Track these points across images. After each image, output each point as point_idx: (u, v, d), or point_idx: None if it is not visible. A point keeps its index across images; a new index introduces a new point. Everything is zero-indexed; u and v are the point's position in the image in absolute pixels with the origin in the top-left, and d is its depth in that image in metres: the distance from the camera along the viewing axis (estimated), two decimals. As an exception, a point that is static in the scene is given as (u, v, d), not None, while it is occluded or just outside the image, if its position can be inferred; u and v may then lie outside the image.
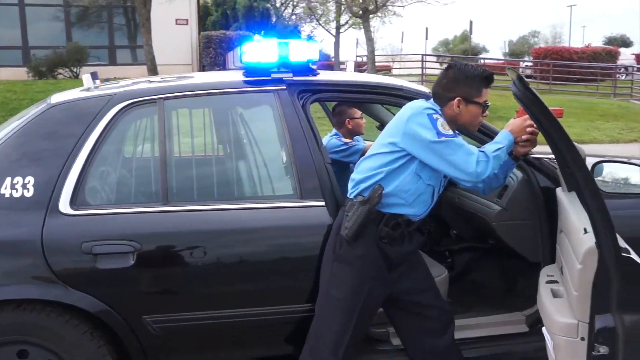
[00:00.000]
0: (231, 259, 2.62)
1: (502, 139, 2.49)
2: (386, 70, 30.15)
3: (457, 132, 2.52)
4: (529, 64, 26.44)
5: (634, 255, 2.03)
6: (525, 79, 2.25)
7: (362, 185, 2.47)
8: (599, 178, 2.88)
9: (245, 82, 2.86)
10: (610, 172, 3.12)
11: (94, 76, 2.95)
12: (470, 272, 3.46)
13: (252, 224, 2.64)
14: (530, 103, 2.20)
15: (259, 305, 2.63)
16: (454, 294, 3.16)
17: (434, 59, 31.37)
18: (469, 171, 2.37)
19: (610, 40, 50.83)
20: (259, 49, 2.73)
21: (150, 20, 14.64)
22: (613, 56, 24.35)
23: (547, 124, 2.18)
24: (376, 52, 22.18)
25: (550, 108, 2.28)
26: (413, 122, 2.41)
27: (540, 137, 2.45)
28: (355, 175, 2.54)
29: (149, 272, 2.56)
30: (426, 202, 2.53)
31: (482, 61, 29.35)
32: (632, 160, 2.90)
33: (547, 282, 2.57)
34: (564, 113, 14.00)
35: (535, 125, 2.44)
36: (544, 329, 2.45)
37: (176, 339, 2.62)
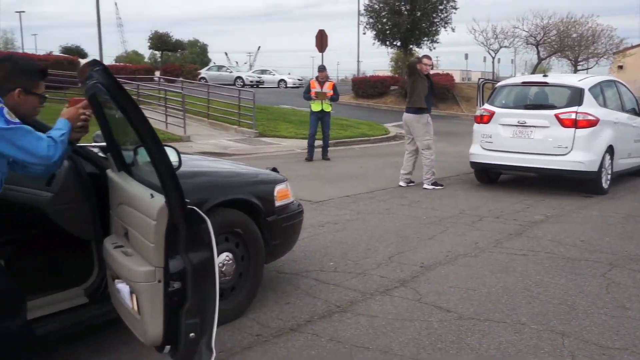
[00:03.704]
0: None
1: (62, 126, 2.70)
2: None
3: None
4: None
5: (196, 208, 2.67)
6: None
7: None
8: None
9: None
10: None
11: None
12: (21, 260, 3.51)
13: None
14: (116, 91, 2.55)
15: None
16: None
17: None
18: (42, 155, 2.54)
19: (67, 50, 52.60)
20: None
21: None
22: (75, 65, 25.42)
23: (129, 109, 2.56)
24: None
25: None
26: None
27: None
28: None
29: None
30: None
31: None
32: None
33: (115, 248, 2.99)
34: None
35: (87, 113, 2.79)
36: (119, 284, 2.87)
37: None
